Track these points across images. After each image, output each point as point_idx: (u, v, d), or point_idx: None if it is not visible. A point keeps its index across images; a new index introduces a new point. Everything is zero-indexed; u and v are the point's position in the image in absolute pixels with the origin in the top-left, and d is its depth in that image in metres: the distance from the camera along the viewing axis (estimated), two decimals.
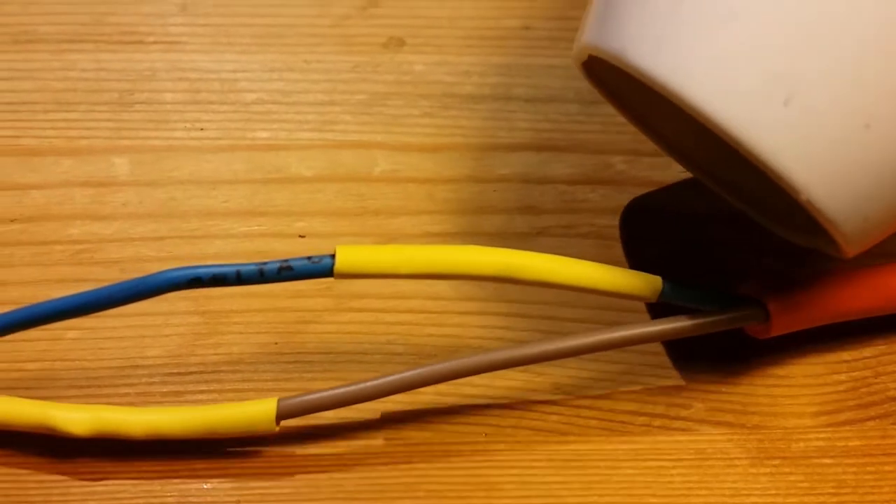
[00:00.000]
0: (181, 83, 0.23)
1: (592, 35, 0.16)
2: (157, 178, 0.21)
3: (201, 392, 0.18)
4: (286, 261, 0.16)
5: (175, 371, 0.18)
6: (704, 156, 0.19)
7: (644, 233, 0.20)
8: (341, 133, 0.22)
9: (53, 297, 0.18)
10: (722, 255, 0.20)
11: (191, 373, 0.18)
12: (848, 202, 0.15)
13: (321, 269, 0.16)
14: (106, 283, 0.19)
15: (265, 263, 0.16)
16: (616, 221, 0.21)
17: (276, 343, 0.18)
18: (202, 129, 0.22)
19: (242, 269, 0.16)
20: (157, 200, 0.20)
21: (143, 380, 0.18)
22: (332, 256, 0.16)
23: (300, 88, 0.23)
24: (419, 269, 0.16)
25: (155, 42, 0.23)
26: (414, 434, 0.17)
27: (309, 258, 0.16)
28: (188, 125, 0.22)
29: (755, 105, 0.14)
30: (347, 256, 0.16)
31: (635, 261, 0.20)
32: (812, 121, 0.14)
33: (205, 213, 0.20)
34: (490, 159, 0.22)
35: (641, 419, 0.18)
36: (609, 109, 0.23)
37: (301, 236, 0.20)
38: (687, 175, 0.20)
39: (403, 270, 0.16)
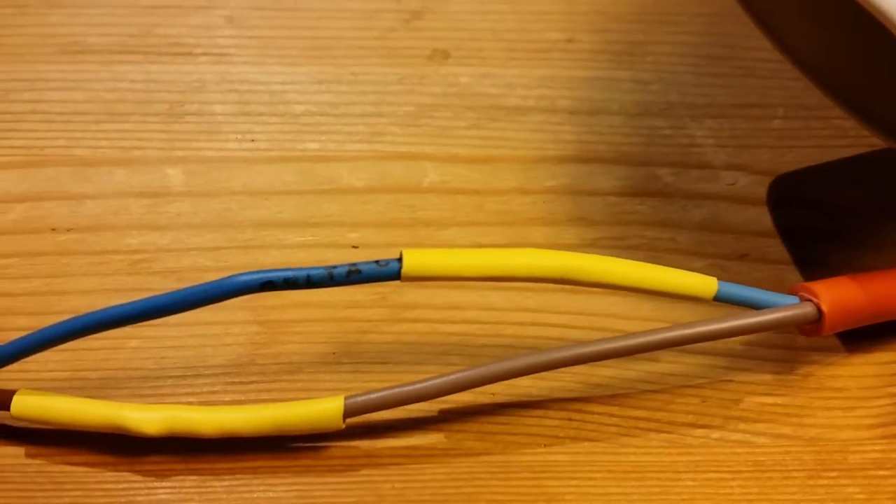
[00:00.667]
0: (230, 95, 0.23)
1: None
2: (210, 188, 0.21)
3: (263, 401, 0.18)
4: (354, 264, 0.16)
5: (236, 380, 0.18)
6: (833, 68, 0.19)
7: None
8: (390, 144, 0.22)
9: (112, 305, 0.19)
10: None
11: (252, 381, 0.18)
12: None
13: (388, 272, 0.16)
14: (164, 293, 0.19)
15: (334, 267, 0.16)
16: (666, 234, 0.21)
17: (334, 353, 0.19)
18: (253, 141, 0.22)
19: (312, 272, 0.16)
20: (212, 211, 0.21)
21: (206, 388, 0.18)
22: (399, 260, 0.16)
23: (348, 100, 0.23)
24: (483, 271, 0.16)
25: (203, 54, 0.24)
26: (474, 444, 0.17)
27: (377, 262, 0.16)
28: (239, 136, 0.22)
29: None
30: (414, 259, 0.16)
31: None
32: None
33: (259, 224, 0.21)
34: (537, 171, 0.22)
35: (700, 431, 0.18)
36: (653, 122, 0.23)
37: (354, 247, 0.20)
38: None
39: (467, 273, 0.16)
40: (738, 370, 0.19)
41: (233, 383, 0.18)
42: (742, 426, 0.18)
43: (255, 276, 0.16)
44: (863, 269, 0.18)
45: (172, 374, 0.18)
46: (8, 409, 0.16)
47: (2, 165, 0.21)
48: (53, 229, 0.20)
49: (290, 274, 0.16)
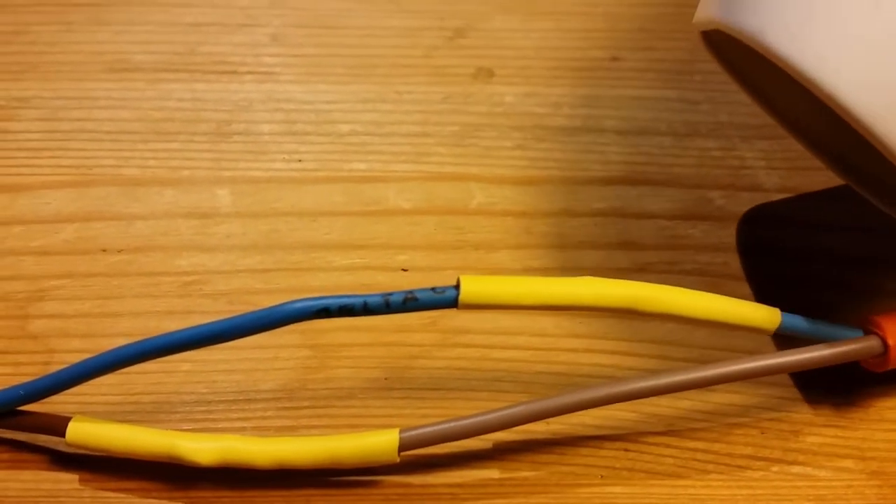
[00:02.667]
0: (277, 114, 0.23)
1: (723, 9, 0.15)
2: (259, 209, 0.21)
3: (314, 427, 0.18)
4: (411, 291, 0.16)
5: (288, 405, 0.18)
6: (821, 130, 0.19)
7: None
8: (437, 165, 0.22)
9: (164, 328, 0.19)
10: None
11: (304, 407, 0.18)
12: None
13: (446, 299, 0.16)
14: (215, 316, 0.19)
15: (390, 294, 0.16)
16: (719, 258, 0.20)
17: (385, 378, 0.19)
18: (300, 161, 0.22)
19: (369, 299, 0.16)
20: (261, 232, 0.21)
21: (258, 413, 0.18)
22: (457, 287, 0.16)
23: (393, 119, 0.23)
24: (543, 300, 0.16)
25: (249, 72, 0.24)
26: (529, 474, 0.17)
27: (433, 289, 0.16)
28: (286, 156, 0.22)
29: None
30: (472, 287, 0.16)
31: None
32: None
33: (308, 246, 0.21)
34: (585, 193, 0.22)
35: (759, 463, 0.17)
36: (703, 143, 0.23)
37: (404, 269, 0.20)
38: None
39: (527, 302, 0.16)
40: (797, 400, 0.18)
41: (284, 409, 0.18)
42: (802, 458, 0.18)
43: (311, 303, 0.16)
44: None
45: (224, 398, 0.18)
46: (63, 435, 0.16)
47: (52, 185, 0.21)
48: (104, 250, 0.20)
49: (346, 301, 0.16)
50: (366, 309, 0.16)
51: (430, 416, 0.18)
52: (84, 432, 0.16)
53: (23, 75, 0.23)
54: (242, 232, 0.21)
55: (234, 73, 0.24)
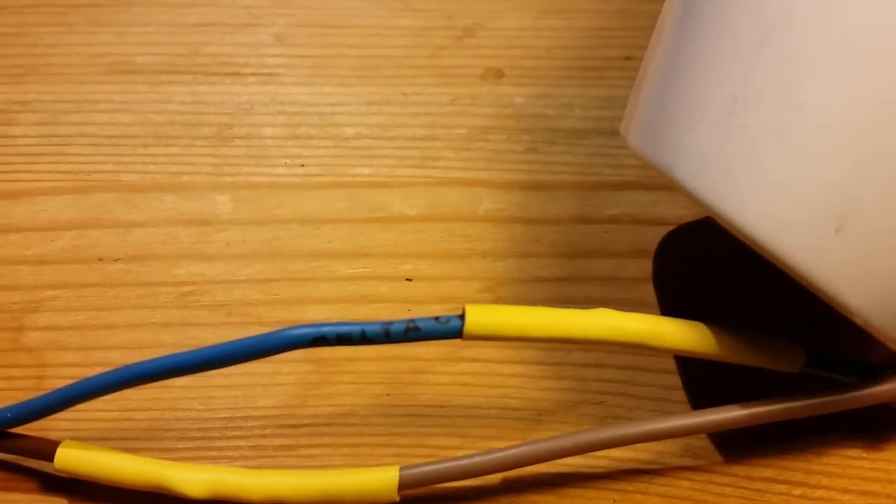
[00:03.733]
0: (280, 117, 0.22)
1: (639, 138, 0.16)
2: (260, 216, 0.20)
3: (314, 446, 0.17)
4: (413, 320, 0.15)
5: (287, 423, 0.17)
6: None
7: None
8: (444, 170, 0.22)
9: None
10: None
11: (303, 425, 0.17)
12: None
13: (449, 330, 0.15)
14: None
15: (391, 323, 0.15)
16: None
17: (388, 395, 0.18)
18: (303, 166, 0.21)
19: (368, 328, 0.15)
20: (262, 240, 0.20)
21: (256, 432, 0.17)
22: (461, 317, 0.15)
23: (399, 122, 0.22)
24: (552, 333, 0.15)
25: (252, 74, 0.23)
26: (538, 498, 0.17)
27: (437, 318, 0.15)
28: (289, 161, 0.22)
29: (806, 232, 0.14)
30: (477, 318, 0.15)
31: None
32: (865, 247, 0.14)
33: (309, 254, 0.20)
34: (598, 199, 0.21)
35: (780, 487, 0.17)
36: None
37: (408, 279, 0.20)
38: None
39: (535, 334, 0.15)
40: (819, 422, 0.17)
41: (284, 427, 0.17)
42: (825, 482, 0.17)
43: (307, 331, 0.15)
44: None
45: (221, 416, 0.18)
46: (52, 460, 0.16)
47: (50, 191, 0.21)
48: (101, 259, 0.20)
49: (343, 329, 0.15)
50: (364, 338, 0.15)
51: (434, 436, 0.17)
52: (73, 458, 0.16)
53: (22, 78, 0.23)
54: (243, 240, 0.20)
55: (237, 74, 0.23)
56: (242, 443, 0.17)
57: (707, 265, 0.20)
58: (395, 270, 0.20)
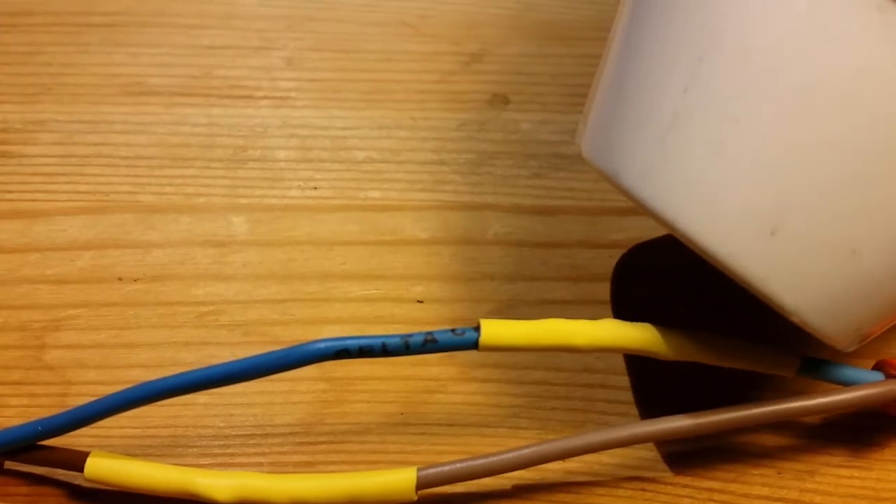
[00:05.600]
0: (292, 140, 0.23)
1: (590, 147, 0.17)
2: (275, 238, 0.21)
3: (332, 463, 0.18)
4: (430, 333, 0.16)
5: (305, 440, 0.18)
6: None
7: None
8: (453, 194, 0.22)
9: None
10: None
11: (320, 442, 0.18)
12: (840, 319, 0.15)
13: (466, 342, 0.16)
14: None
15: (410, 335, 0.16)
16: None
17: (401, 413, 0.19)
18: (315, 189, 0.22)
19: (388, 341, 0.16)
20: (277, 261, 0.21)
21: (275, 448, 0.18)
22: (476, 329, 0.16)
23: (409, 147, 0.23)
24: (563, 341, 0.16)
25: (265, 97, 0.24)
26: (552, 498, 0.17)
27: (453, 330, 0.16)
28: (302, 184, 0.22)
29: (743, 236, 0.14)
30: (492, 330, 0.16)
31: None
32: (800, 249, 0.14)
33: (323, 276, 0.21)
34: (603, 224, 0.22)
35: None
36: None
37: (419, 301, 0.20)
38: None
39: (546, 343, 0.16)
40: (813, 440, 0.18)
41: (301, 444, 0.18)
42: (819, 500, 0.18)
43: (330, 344, 0.16)
44: None
45: (242, 433, 0.18)
46: (81, 470, 0.16)
47: (68, 211, 0.21)
48: (120, 279, 0.20)
49: (365, 342, 0.16)
50: (385, 350, 0.16)
51: (446, 453, 0.18)
52: (102, 468, 0.16)
53: (38, 97, 0.23)
54: (259, 261, 0.21)
55: (250, 97, 0.24)
56: (262, 459, 0.18)
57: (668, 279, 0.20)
58: (406, 292, 0.20)
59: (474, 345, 0.16)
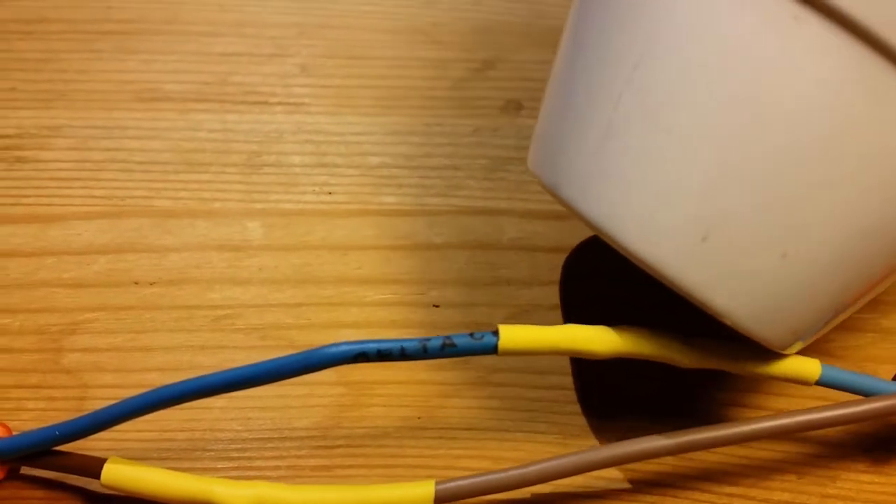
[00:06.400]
0: (307, 145, 0.23)
1: (534, 161, 0.17)
2: (290, 242, 0.21)
3: (349, 467, 0.18)
4: (449, 337, 0.16)
5: (322, 444, 0.18)
6: None
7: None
8: (467, 199, 0.22)
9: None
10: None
11: (338, 446, 0.18)
12: (774, 322, 0.15)
13: (484, 346, 0.16)
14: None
15: (428, 339, 0.16)
16: None
17: (419, 417, 0.18)
18: (330, 193, 0.22)
19: (406, 344, 0.16)
20: (293, 266, 0.21)
21: (293, 452, 0.18)
22: (495, 333, 0.16)
23: (423, 152, 0.23)
24: (582, 347, 0.16)
25: (279, 103, 0.24)
26: None
27: (471, 335, 0.16)
28: (317, 188, 0.22)
29: (676, 243, 0.15)
30: (511, 335, 0.16)
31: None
32: (730, 255, 0.15)
33: (339, 280, 0.21)
34: None
35: None
36: None
37: (435, 306, 0.20)
38: None
39: (566, 348, 0.16)
40: (834, 445, 0.18)
41: (319, 447, 0.18)
42: None
43: (350, 348, 0.16)
44: None
45: (259, 436, 0.18)
46: (97, 476, 0.16)
47: (84, 216, 0.21)
48: (136, 283, 0.20)
49: (384, 346, 0.16)
50: (403, 354, 0.16)
51: (464, 457, 0.18)
52: (119, 475, 0.16)
53: (53, 103, 0.23)
54: (274, 265, 0.21)
55: (265, 103, 0.24)
56: (280, 463, 0.18)
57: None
58: (422, 297, 0.20)
59: (493, 349, 0.16)
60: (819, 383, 0.17)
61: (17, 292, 0.20)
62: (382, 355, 0.16)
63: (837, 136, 0.14)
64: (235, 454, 0.18)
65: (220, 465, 0.18)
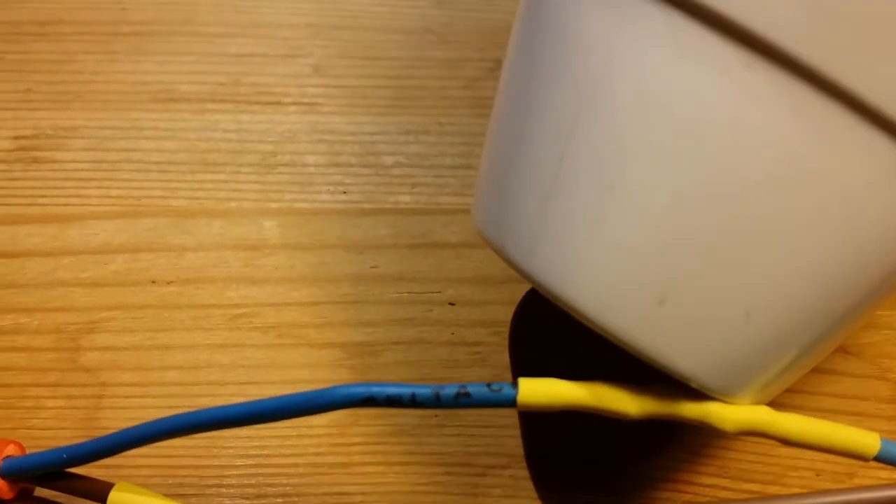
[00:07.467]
0: (321, 145, 0.23)
1: (478, 218, 0.16)
2: (306, 241, 0.21)
3: (367, 464, 0.18)
4: (464, 386, 0.15)
5: (340, 441, 0.18)
6: None
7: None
8: None
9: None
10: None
11: (356, 443, 0.18)
12: (742, 380, 0.14)
13: (501, 398, 0.15)
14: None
15: (442, 387, 0.15)
16: None
17: (436, 415, 0.18)
18: (345, 193, 0.22)
19: (418, 391, 0.15)
20: (309, 264, 0.21)
21: (311, 449, 0.18)
22: (514, 385, 0.15)
23: (437, 151, 0.23)
24: (609, 406, 0.15)
25: (293, 103, 0.24)
26: None
27: (489, 385, 0.15)
28: (332, 188, 0.22)
29: (631, 306, 0.14)
30: (531, 388, 0.15)
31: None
32: (691, 317, 0.14)
33: (355, 278, 0.21)
34: None
35: None
36: None
37: (451, 304, 0.20)
38: None
39: (591, 406, 0.15)
40: None
41: (337, 445, 0.18)
42: None
43: (357, 391, 0.15)
44: None
45: (277, 434, 0.18)
46: (104, 502, 0.16)
47: (101, 215, 0.21)
48: (154, 282, 0.20)
49: (393, 391, 0.15)
50: (413, 401, 0.15)
51: (482, 455, 0.18)
52: (125, 502, 0.16)
53: (69, 104, 0.23)
54: (290, 264, 0.21)
55: (279, 104, 0.24)
56: (298, 460, 0.18)
57: None
58: (438, 295, 0.20)
59: (511, 402, 0.15)
60: (877, 458, 0.15)
61: (35, 292, 0.20)
62: (392, 401, 0.15)
63: (793, 185, 0.13)
64: (254, 451, 0.18)
65: (238, 462, 0.18)
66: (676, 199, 0.13)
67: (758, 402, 0.15)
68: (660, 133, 0.13)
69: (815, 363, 0.16)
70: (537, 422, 0.19)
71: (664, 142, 0.13)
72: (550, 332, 0.20)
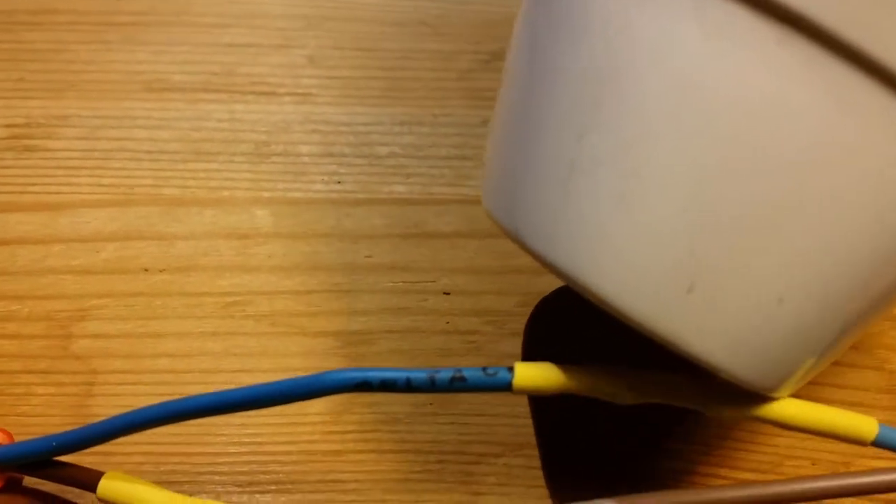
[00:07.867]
0: (315, 135, 0.23)
1: (490, 202, 0.15)
2: (299, 230, 0.21)
3: (361, 452, 0.18)
4: (459, 370, 0.15)
5: (334, 429, 0.18)
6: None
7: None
8: (476, 188, 0.22)
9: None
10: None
11: (350, 431, 0.18)
12: (769, 370, 0.14)
13: (497, 382, 0.15)
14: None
15: (437, 371, 0.15)
16: None
17: (430, 403, 0.18)
18: (339, 183, 0.22)
19: (412, 375, 0.15)
20: (302, 253, 0.21)
21: (304, 437, 0.18)
22: (510, 370, 0.15)
23: (431, 142, 0.23)
24: (604, 390, 0.15)
25: (287, 94, 0.24)
26: None
27: (484, 370, 0.15)
28: (326, 178, 0.22)
29: (659, 295, 0.13)
30: (527, 373, 0.15)
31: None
32: (722, 305, 0.13)
33: (349, 267, 0.21)
34: None
35: None
36: None
37: (446, 293, 0.20)
38: None
39: (587, 391, 0.15)
40: None
41: (331, 432, 0.18)
42: None
43: (352, 375, 0.15)
44: None
45: (271, 421, 0.18)
46: (94, 490, 0.16)
47: (93, 204, 0.21)
48: (146, 270, 0.20)
49: (388, 375, 0.15)
50: (409, 386, 0.15)
51: (475, 443, 0.18)
52: (116, 490, 0.16)
53: (62, 94, 0.23)
54: (283, 253, 0.21)
55: (273, 94, 0.24)
56: (292, 448, 0.18)
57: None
58: (432, 284, 0.20)
59: (507, 387, 0.15)
60: (875, 443, 0.15)
61: (25, 279, 0.20)
62: (386, 385, 0.15)
63: (827, 161, 0.13)
64: (247, 439, 0.18)
65: (231, 448, 0.18)
66: (704, 179, 0.13)
67: (792, 389, 0.14)
68: (687, 111, 0.13)
69: (844, 351, 0.15)
70: (549, 415, 0.18)
71: (691, 120, 0.13)
72: (567, 335, 0.19)
